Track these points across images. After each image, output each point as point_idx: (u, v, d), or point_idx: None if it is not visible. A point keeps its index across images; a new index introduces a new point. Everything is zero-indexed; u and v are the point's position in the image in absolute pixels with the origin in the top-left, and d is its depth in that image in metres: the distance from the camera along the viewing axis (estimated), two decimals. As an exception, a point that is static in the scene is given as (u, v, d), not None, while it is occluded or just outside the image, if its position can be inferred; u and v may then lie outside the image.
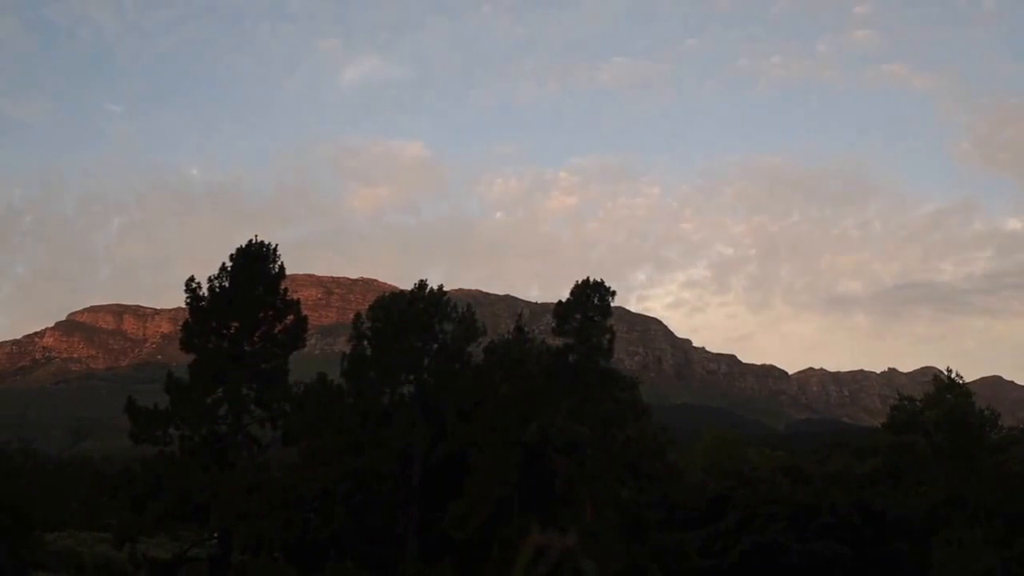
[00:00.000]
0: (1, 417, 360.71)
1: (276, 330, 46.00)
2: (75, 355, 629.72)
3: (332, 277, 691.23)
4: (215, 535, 43.76)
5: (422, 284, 50.10)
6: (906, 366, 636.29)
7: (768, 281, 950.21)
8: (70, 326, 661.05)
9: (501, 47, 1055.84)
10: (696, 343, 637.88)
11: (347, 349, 50.07)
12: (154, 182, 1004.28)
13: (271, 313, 46.00)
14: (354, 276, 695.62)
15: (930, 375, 63.07)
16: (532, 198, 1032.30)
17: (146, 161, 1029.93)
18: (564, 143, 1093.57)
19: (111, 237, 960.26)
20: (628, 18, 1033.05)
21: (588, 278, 46.68)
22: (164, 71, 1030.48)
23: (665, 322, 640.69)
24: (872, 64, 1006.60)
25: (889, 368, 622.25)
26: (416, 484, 45.40)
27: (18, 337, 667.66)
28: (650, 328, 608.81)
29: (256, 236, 47.23)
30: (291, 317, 46.71)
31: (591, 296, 46.27)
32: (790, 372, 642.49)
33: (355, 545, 44.69)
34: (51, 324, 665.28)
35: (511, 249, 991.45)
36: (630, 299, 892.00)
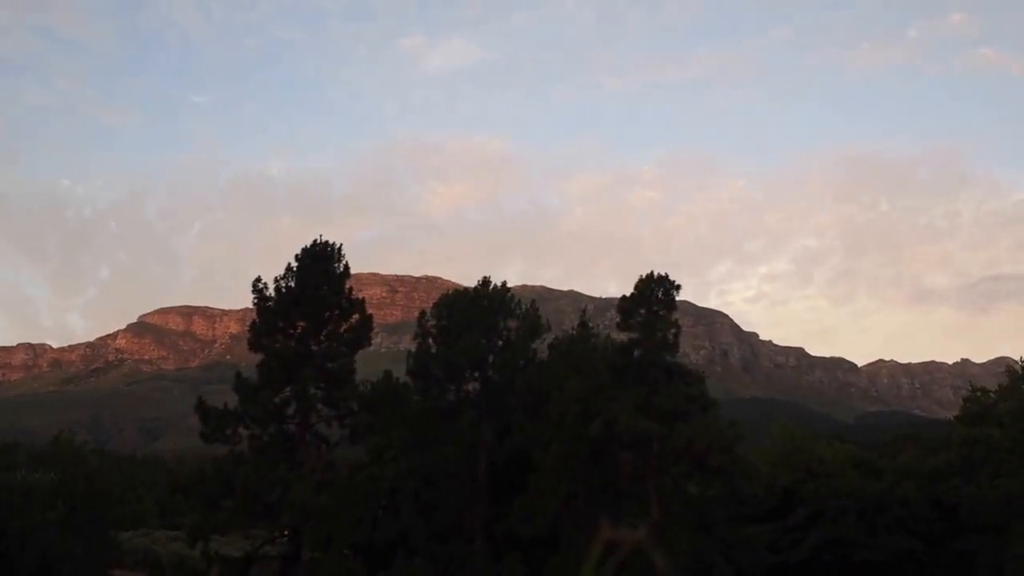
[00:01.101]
0: (76, 418, 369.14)
1: (342, 329, 46.31)
2: (146, 356, 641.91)
3: (396, 275, 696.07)
4: (286, 533, 44.22)
5: (486, 281, 50.16)
6: (979, 357, 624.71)
7: (852, 274, 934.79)
8: (141, 328, 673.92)
9: (583, 41, 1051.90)
10: (764, 336, 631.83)
11: (412, 347, 50.32)
12: (236, 183, 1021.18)
13: (337, 312, 46.31)
14: (418, 274, 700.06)
15: (1004, 366, 61.48)
16: (613, 193, 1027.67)
17: (229, 163, 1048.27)
18: (647, 136, 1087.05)
19: (191, 239, 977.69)
20: (712, 9, 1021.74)
21: (652, 272, 46.34)
22: (248, 73, 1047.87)
23: (733, 316, 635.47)
24: (967, 49, 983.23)
25: (962, 359, 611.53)
26: (482, 481, 45.49)
27: (92, 340, 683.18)
28: (716, 322, 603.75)
29: (320, 236, 47.62)
30: (356, 316, 46.99)
31: (655, 290, 45.92)
32: (859, 364, 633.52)
33: (423, 542, 44.90)
34: (123, 327, 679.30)
35: (590, 245, 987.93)
36: (709, 294, 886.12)
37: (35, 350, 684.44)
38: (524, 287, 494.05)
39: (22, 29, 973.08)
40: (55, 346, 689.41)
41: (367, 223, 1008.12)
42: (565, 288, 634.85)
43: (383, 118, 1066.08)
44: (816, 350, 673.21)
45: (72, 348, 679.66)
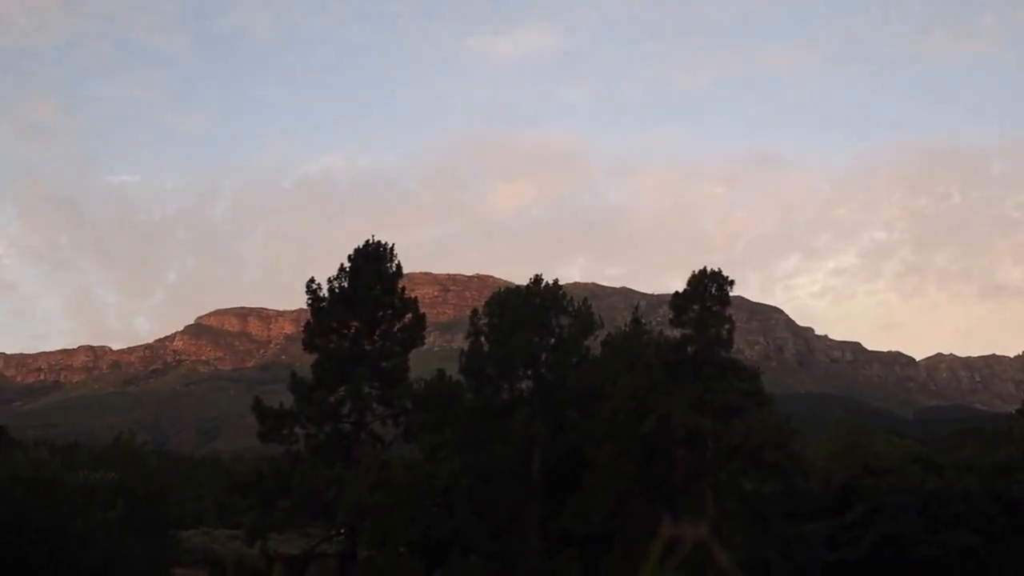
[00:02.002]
0: (136, 418, 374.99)
1: (395, 328, 46.57)
2: (203, 357, 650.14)
3: (448, 275, 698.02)
4: (342, 531, 44.57)
5: (537, 279, 50.16)
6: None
7: (922, 267, 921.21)
8: (198, 330, 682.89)
9: (652, 35, 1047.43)
10: (819, 331, 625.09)
11: (465, 345, 50.46)
12: (301, 185, 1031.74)
13: (390, 312, 46.58)
14: (470, 273, 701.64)
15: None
16: (679, 188, 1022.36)
17: (294, 165, 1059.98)
18: (714, 131, 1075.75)
19: (256, 242, 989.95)
20: (781, 2, 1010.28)
21: (705, 268, 46.07)
22: (314, 76, 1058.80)
23: (796, 311, 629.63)
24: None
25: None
26: (536, 479, 45.50)
27: (150, 341, 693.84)
28: (771, 317, 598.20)
29: (373, 236, 47.92)
30: (409, 315, 47.23)
31: (709, 286, 45.62)
32: (917, 358, 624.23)
33: (478, 540, 45.04)
34: (180, 328, 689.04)
35: (655, 241, 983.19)
36: (775, 289, 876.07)
37: (95, 352, 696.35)
38: (576, 284, 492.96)
39: (98, 37, 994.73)
40: (115, 348, 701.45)
41: (431, 223, 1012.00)
42: (618, 285, 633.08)
43: (448, 117, 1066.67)
44: (873, 344, 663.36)
45: (131, 350, 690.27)
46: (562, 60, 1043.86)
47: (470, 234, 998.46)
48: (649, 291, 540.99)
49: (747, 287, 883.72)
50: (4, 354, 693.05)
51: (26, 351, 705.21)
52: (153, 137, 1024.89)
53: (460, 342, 58.05)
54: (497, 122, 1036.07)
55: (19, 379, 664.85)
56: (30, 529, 37.14)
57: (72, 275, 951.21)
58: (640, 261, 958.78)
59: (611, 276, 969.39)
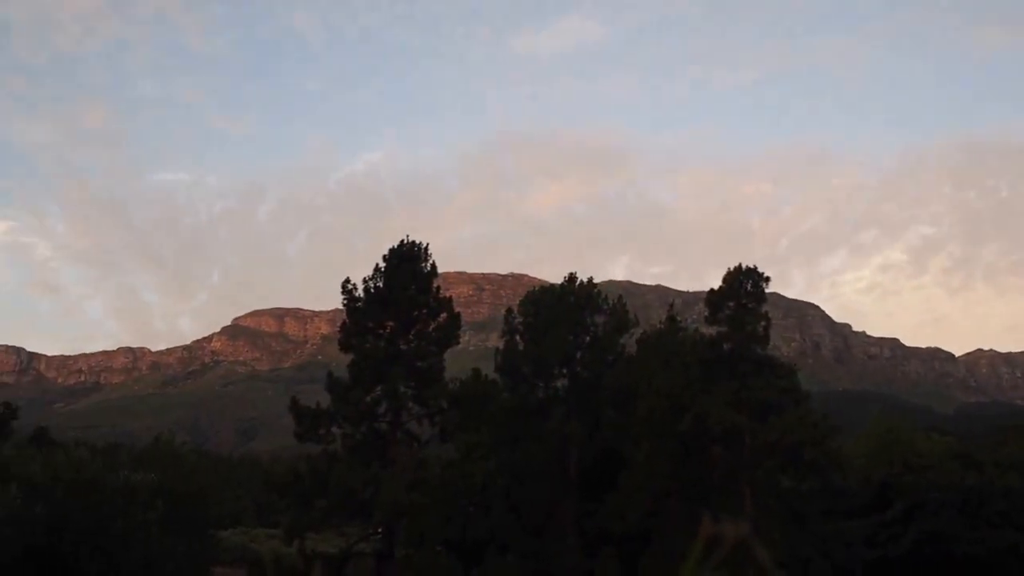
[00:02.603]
0: (175, 419, 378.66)
1: (430, 328, 46.68)
2: (241, 358, 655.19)
3: (483, 274, 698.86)
4: (379, 530, 44.74)
5: (572, 277, 50.11)
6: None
7: (970, 262, 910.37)
8: (235, 330, 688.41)
9: (697, 30, 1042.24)
10: (856, 328, 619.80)
11: (500, 344, 50.49)
12: (345, 186, 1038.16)
13: (424, 311, 46.69)
14: (504, 272, 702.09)
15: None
16: (724, 185, 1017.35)
17: (339, 166, 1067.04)
18: (759, 127, 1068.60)
19: (300, 243, 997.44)
20: None
21: (740, 264, 45.81)
22: (360, 78, 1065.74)
23: (840, 308, 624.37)
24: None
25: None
26: (572, 477, 45.47)
27: (188, 343, 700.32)
28: (807, 314, 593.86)
29: (407, 236, 48.06)
30: (444, 315, 47.32)
31: (744, 283, 45.37)
32: (957, 354, 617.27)
33: (514, 539, 45.07)
34: (218, 329, 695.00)
35: (699, 238, 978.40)
36: (821, 286, 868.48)
37: (135, 354, 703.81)
38: (610, 282, 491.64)
39: (146, 42, 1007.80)
40: (154, 349, 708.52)
41: (473, 221, 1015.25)
42: (660, 283, 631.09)
43: (491, 116, 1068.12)
44: (912, 340, 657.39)
45: (170, 351, 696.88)
46: (605, 57, 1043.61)
47: (511, 233, 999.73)
48: (685, 289, 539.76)
49: (791, 284, 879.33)
50: (45, 356, 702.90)
51: (67, 353, 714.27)
52: (200, 139, 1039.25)
53: (495, 341, 58.05)
54: (539, 120, 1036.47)
55: (60, 380, 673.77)
56: (72, 529, 37.58)
57: (118, 277, 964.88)
58: (684, 259, 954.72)
59: (654, 275, 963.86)
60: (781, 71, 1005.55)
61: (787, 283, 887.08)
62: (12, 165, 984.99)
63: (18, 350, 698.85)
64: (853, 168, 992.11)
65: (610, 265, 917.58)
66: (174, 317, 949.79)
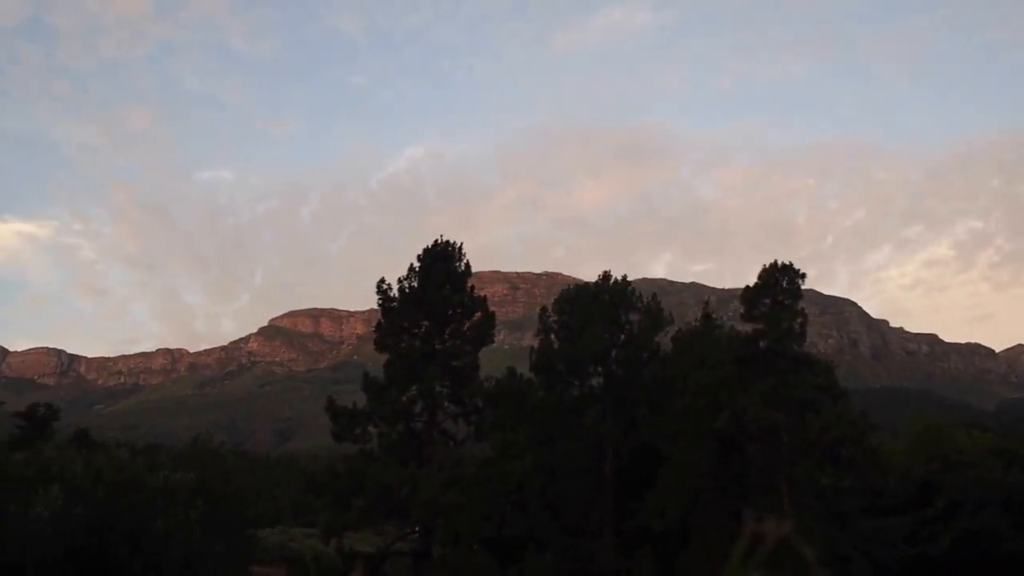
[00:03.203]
0: (213, 420, 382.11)
1: (465, 327, 46.78)
2: (277, 359, 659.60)
3: (517, 272, 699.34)
4: (416, 529, 44.89)
5: (606, 275, 50.00)
6: None
7: (1018, 256, 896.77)
8: (271, 331, 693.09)
9: (741, 26, 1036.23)
10: (894, 324, 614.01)
11: (535, 343, 50.48)
12: (387, 186, 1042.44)
13: (459, 311, 46.80)
14: (538, 270, 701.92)
15: None
16: (769, 180, 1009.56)
17: (382, 166, 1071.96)
18: (806, 121, 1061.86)
19: (342, 243, 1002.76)
20: None
21: (776, 261, 45.51)
22: (403, 77, 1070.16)
23: (879, 304, 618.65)
24: None
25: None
26: (609, 476, 45.39)
27: (225, 344, 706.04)
28: (844, 310, 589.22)
29: (441, 236, 48.20)
30: (479, 314, 47.40)
31: (780, 279, 45.09)
32: (997, 350, 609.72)
33: (551, 537, 45.04)
34: (255, 330, 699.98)
35: (743, 234, 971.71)
36: (864, 282, 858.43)
37: (173, 355, 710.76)
38: (645, 280, 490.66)
39: (192, 47, 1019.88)
40: (192, 351, 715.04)
41: (515, 219, 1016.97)
42: (694, 281, 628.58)
43: (534, 114, 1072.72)
44: (951, 336, 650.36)
45: (208, 352, 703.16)
46: (648, 53, 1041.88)
47: (552, 231, 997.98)
48: (721, 286, 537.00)
49: (836, 281, 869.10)
50: (85, 357, 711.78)
51: (106, 354, 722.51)
52: (243, 141, 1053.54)
53: (530, 340, 58.09)
54: (582, 117, 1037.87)
55: (100, 382, 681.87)
56: (113, 529, 38.02)
57: (161, 279, 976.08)
58: (727, 257, 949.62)
59: (696, 272, 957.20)
60: (826, 65, 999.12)
61: (832, 280, 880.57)
62: (59, 169, 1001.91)
63: (59, 352, 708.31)
64: (899, 162, 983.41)
65: (652, 263, 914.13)
66: (216, 318, 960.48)
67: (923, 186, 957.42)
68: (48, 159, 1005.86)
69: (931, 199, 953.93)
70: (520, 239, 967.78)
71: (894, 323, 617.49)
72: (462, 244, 48.03)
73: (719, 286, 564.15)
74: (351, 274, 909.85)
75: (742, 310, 46.17)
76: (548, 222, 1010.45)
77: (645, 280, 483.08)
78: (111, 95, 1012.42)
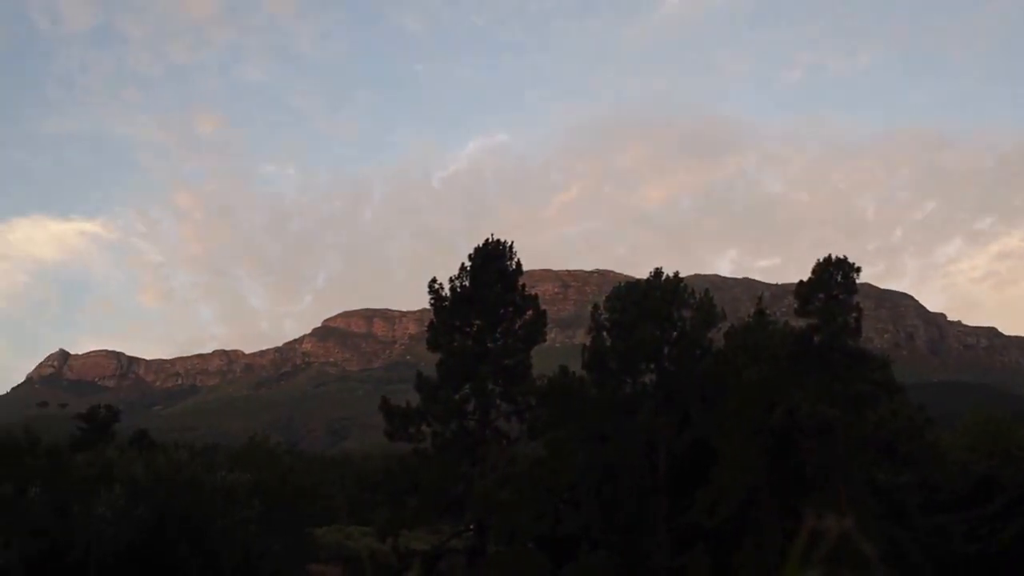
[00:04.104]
0: (269, 420, 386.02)
1: (517, 326, 46.88)
2: (331, 359, 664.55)
3: (568, 270, 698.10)
4: (471, 527, 45.10)
5: (658, 272, 49.81)
6: None
7: None
8: (325, 332, 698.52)
9: (811, 14, 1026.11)
10: (951, 317, 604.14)
11: (586, 341, 50.43)
12: (450, 185, 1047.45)
13: (511, 309, 46.91)
14: (589, 268, 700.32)
15: None
16: (837, 173, 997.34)
17: (444, 165, 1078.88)
18: (875, 112, 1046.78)
19: (403, 242, 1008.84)
20: None
21: (830, 255, 45.06)
22: (469, 75, 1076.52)
23: (917, 296, 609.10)
24: None
25: None
26: (662, 473, 45.25)
27: (279, 345, 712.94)
28: (900, 304, 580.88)
29: (492, 235, 48.34)
30: (530, 312, 47.48)
31: (834, 274, 44.62)
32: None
33: (605, 535, 45.01)
34: (309, 331, 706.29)
35: (810, 229, 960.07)
36: (933, 275, 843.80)
37: (229, 356, 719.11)
38: (697, 276, 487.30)
39: (259, 51, 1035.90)
40: (247, 352, 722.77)
41: (579, 217, 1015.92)
42: (740, 276, 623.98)
43: (598, 110, 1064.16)
44: (1010, 329, 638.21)
45: (263, 353, 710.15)
46: (716, 45, 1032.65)
47: (616, 228, 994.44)
48: (774, 281, 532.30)
49: (905, 274, 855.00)
50: (144, 360, 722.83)
51: (164, 356, 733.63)
52: (308, 143, 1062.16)
53: (581, 338, 58.02)
54: (647, 112, 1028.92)
55: (158, 384, 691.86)
56: (173, 528, 38.66)
57: (225, 281, 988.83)
58: (794, 252, 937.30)
59: (762, 269, 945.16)
60: (896, 53, 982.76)
61: (900, 274, 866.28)
62: (126, 173, 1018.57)
63: (118, 355, 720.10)
64: (970, 152, 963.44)
65: (716, 259, 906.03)
66: (279, 320, 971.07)
67: (996, 176, 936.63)
68: (114, 161, 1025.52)
69: (1004, 189, 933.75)
70: (582, 237, 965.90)
71: (952, 317, 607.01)
72: (512, 243, 48.19)
73: (764, 281, 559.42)
74: (411, 274, 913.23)
75: (796, 305, 45.78)
76: (611, 220, 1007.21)
77: (697, 276, 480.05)
78: (178, 99, 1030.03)
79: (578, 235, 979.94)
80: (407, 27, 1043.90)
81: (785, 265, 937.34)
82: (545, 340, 49.41)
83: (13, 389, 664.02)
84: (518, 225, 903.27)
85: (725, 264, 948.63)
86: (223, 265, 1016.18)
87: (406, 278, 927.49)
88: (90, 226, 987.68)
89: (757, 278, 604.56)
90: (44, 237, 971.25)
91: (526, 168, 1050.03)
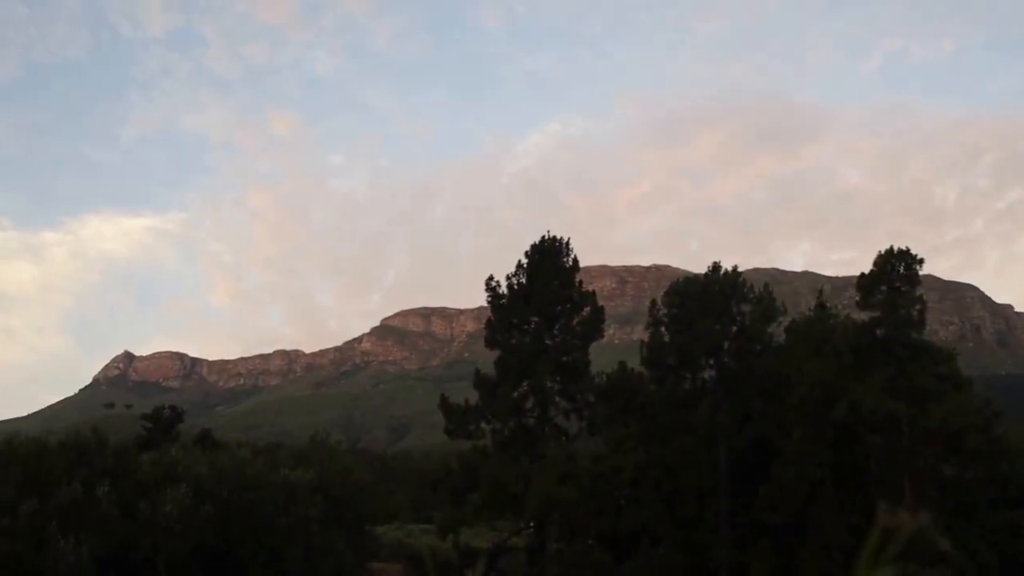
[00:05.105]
0: (330, 419, 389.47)
1: (574, 322, 46.80)
2: (390, 358, 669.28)
3: (625, 266, 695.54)
4: (531, 524, 45.10)
5: (716, 266, 49.39)
6: None
7: None
8: (384, 331, 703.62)
9: (891, 2, 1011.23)
10: (1019, 308, 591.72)
11: (644, 337, 50.17)
12: (519, 181, 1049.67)
13: (568, 306, 46.85)
14: (646, 264, 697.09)
15: None
16: (916, 161, 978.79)
17: (514, 160, 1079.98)
18: (956, 99, 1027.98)
19: (472, 241, 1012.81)
20: None
21: (892, 247, 44.34)
22: (544, 70, 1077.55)
23: (984, 288, 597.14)
24: None
25: None
26: (723, 469, 44.86)
27: (339, 344, 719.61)
28: (965, 296, 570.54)
29: (548, 232, 48.29)
30: (588, 309, 47.37)
31: (896, 265, 43.89)
32: None
33: (667, 531, 44.74)
34: (367, 330, 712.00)
35: (887, 220, 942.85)
36: (1013, 266, 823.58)
37: (290, 356, 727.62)
38: (756, 270, 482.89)
39: (335, 52, 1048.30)
40: (307, 351, 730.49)
41: (652, 213, 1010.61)
42: (799, 269, 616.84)
43: (674, 103, 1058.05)
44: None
45: (323, 353, 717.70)
46: (792, 34, 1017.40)
47: (687, 223, 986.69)
48: (834, 274, 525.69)
49: (984, 265, 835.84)
50: (207, 360, 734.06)
51: (226, 357, 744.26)
52: (381, 141, 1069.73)
53: (639, 334, 57.70)
54: (720, 103, 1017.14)
55: (220, 384, 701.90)
56: (238, 526, 39.14)
57: (295, 281, 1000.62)
58: (870, 244, 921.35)
59: (835, 262, 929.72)
60: (978, 39, 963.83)
61: (980, 263, 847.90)
62: (200, 175, 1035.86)
63: (181, 356, 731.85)
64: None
65: (790, 253, 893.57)
66: (346, 319, 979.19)
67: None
68: (188, 161, 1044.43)
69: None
70: (651, 232, 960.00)
71: (1020, 308, 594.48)
72: (569, 239, 48.09)
73: (825, 275, 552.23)
74: (477, 271, 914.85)
75: (857, 298, 45.13)
76: (680, 214, 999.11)
77: (756, 270, 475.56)
78: (254, 99, 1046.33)
79: (647, 230, 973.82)
80: (483, 23, 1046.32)
81: (861, 258, 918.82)
82: (603, 336, 49.27)
83: (80, 391, 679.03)
84: (586, 220, 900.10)
85: (799, 258, 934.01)
86: (294, 265, 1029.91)
87: (472, 275, 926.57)
88: (162, 225, 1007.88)
89: (821, 272, 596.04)
90: (114, 233, 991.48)
91: (596, 162, 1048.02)
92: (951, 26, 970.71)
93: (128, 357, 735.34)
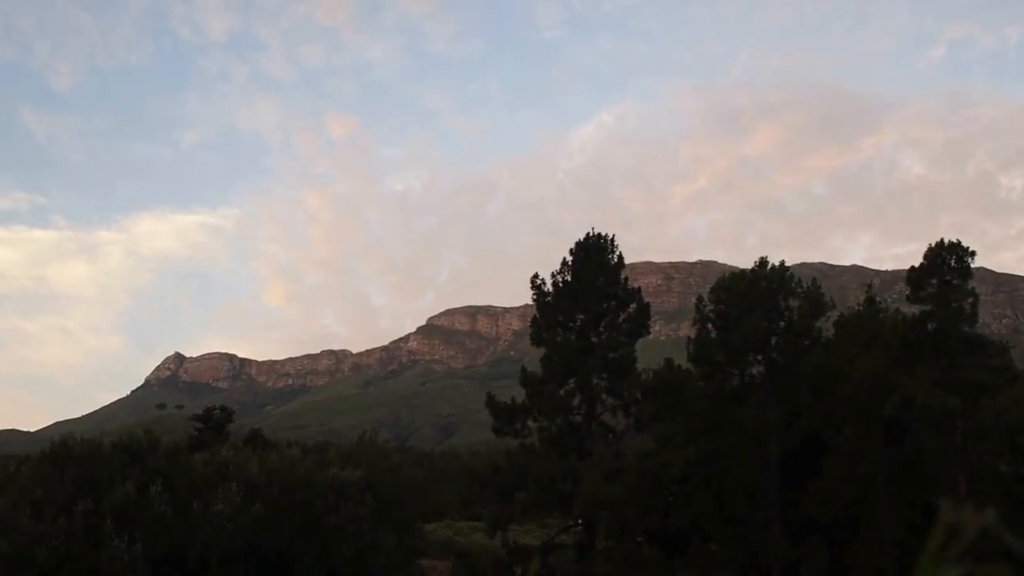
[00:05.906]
0: (378, 418, 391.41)
1: (620, 319, 46.67)
2: (436, 356, 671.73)
3: (671, 262, 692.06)
4: (579, 522, 45.05)
5: (763, 261, 49.01)
6: None
7: None
8: (430, 330, 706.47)
9: None
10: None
11: (691, 333, 49.90)
12: (573, 178, 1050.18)
13: (614, 303, 46.71)
14: (692, 260, 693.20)
15: None
16: (981, 150, 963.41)
17: (569, 157, 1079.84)
18: (1016, 88, 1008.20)
19: (526, 239, 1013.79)
20: None
21: (942, 239, 43.75)
22: (597, 63, 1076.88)
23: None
24: None
25: None
26: (774, 465, 44.52)
27: (386, 343, 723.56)
28: (1019, 288, 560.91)
29: (592, 228, 48.18)
30: (634, 305, 47.21)
31: (947, 258, 43.29)
32: None
33: (717, 528, 44.50)
34: (414, 329, 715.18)
35: (949, 213, 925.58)
36: None
37: (337, 356, 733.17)
38: (803, 265, 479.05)
39: (394, 53, 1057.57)
40: (354, 351, 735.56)
41: (708, 207, 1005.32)
42: (847, 263, 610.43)
43: (731, 97, 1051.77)
44: None
45: (369, 352, 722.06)
46: (853, 23, 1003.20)
47: (748, 216, 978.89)
48: (883, 268, 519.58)
49: (996, 256, 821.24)
50: (255, 361, 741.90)
51: (274, 357, 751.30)
52: (436, 141, 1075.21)
53: (686, 330, 57.42)
54: (779, 93, 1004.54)
55: (269, 384, 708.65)
56: (288, 524, 39.52)
57: (350, 281, 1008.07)
58: (932, 237, 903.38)
59: (895, 256, 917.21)
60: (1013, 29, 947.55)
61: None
62: (256, 176, 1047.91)
63: (230, 357, 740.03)
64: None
65: (850, 247, 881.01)
66: (400, 318, 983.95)
67: None
68: (245, 162, 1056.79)
69: None
70: (708, 227, 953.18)
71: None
72: (614, 236, 47.95)
73: (873, 268, 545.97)
74: (530, 270, 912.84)
75: (907, 292, 44.57)
76: (738, 208, 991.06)
77: (803, 265, 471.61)
78: (310, 101, 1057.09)
79: (703, 225, 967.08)
80: (538, 22, 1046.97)
81: (921, 252, 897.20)
82: (649, 333, 49.08)
83: (132, 392, 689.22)
84: (641, 216, 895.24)
85: (860, 252, 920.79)
86: (349, 265, 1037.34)
87: (523, 273, 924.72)
88: (215, 221, 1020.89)
89: (878, 267, 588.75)
90: (168, 230, 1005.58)
91: (652, 158, 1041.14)
92: (1017, 13, 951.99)
93: (179, 358, 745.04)
